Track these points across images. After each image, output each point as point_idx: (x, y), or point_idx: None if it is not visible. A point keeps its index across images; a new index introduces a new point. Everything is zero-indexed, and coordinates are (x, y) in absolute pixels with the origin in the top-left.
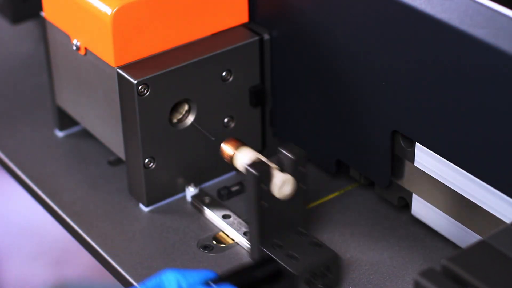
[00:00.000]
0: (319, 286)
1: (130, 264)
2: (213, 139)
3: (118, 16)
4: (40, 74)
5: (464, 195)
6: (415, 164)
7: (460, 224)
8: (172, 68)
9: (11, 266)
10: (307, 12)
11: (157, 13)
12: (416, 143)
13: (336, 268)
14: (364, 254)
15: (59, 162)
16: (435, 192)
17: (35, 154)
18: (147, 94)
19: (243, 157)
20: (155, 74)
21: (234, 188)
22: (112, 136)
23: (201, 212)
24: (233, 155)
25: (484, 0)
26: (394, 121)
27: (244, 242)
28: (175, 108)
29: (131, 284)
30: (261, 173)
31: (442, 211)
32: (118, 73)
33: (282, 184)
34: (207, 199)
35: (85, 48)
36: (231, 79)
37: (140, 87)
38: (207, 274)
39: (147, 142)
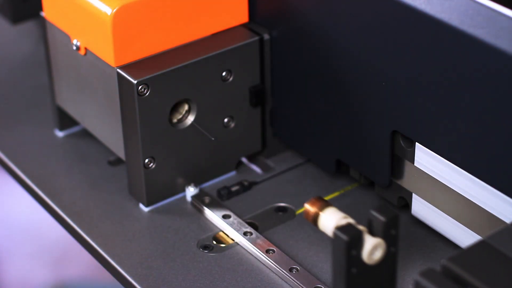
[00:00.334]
0: None
1: (130, 264)
2: (213, 139)
3: (118, 16)
4: (40, 74)
5: (464, 195)
6: (415, 164)
7: (460, 224)
8: (172, 68)
9: (11, 266)
10: (307, 12)
11: (157, 13)
12: (416, 143)
13: None
14: None
15: (59, 162)
16: (435, 192)
17: (35, 154)
18: (147, 94)
19: (328, 219)
20: (155, 74)
21: (234, 188)
22: (112, 136)
23: (201, 212)
24: (318, 216)
25: (484, 0)
26: (394, 121)
27: (244, 242)
28: (175, 108)
29: (131, 284)
30: (351, 238)
31: (442, 211)
32: (118, 73)
33: (373, 249)
34: (207, 199)
35: (85, 48)
36: (231, 79)
37: (140, 87)
38: None
39: (147, 142)
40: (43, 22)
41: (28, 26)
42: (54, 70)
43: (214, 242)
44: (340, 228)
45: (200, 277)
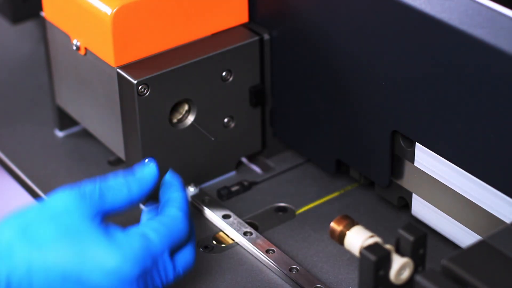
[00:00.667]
0: None
1: None
2: (213, 139)
3: (118, 16)
4: (40, 74)
5: (464, 195)
6: (415, 164)
7: (460, 224)
8: (172, 68)
9: None
10: (307, 12)
11: (157, 13)
12: (416, 143)
13: None
14: None
15: (59, 162)
16: (435, 192)
17: (35, 154)
18: (147, 94)
19: (355, 238)
20: (155, 74)
21: (234, 188)
22: (112, 136)
23: (201, 212)
24: (344, 235)
25: (484, 0)
26: (394, 121)
27: (244, 242)
28: (175, 108)
29: None
30: (379, 258)
31: (442, 211)
32: (118, 73)
33: (400, 269)
34: (207, 199)
35: (85, 48)
36: (231, 79)
37: (140, 87)
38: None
39: (147, 142)
40: (43, 22)
41: (28, 26)
42: (54, 70)
43: (214, 242)
44: (368, 248)
45: (200, 277)
